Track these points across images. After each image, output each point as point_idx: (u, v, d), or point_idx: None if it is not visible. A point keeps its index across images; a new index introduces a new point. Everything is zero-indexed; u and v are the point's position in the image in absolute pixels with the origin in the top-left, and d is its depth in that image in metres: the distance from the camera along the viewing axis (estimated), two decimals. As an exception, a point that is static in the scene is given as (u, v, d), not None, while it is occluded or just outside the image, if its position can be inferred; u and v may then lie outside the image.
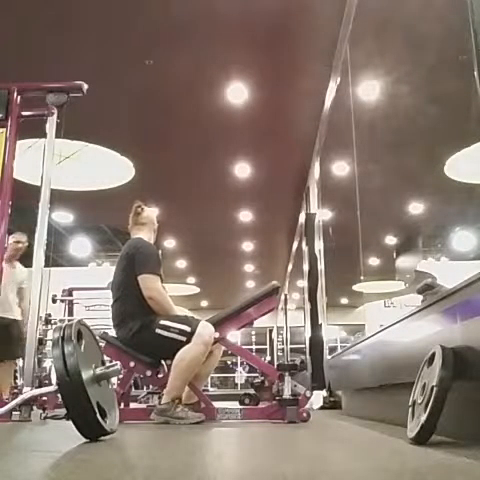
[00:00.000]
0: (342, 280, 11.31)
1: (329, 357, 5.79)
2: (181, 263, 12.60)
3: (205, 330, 2.92)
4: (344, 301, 16.05)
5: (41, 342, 5.51)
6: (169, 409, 2.78)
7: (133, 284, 3.03)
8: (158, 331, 2.92)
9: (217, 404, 3.25)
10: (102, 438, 1.74)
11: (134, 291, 3.03)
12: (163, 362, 3.15)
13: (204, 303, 16.47)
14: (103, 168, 7.52)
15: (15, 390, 4.90)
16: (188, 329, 2.89)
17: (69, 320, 4.84)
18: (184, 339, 2.88)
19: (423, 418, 1.56)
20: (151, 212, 3.38)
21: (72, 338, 1.75)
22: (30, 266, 2.73)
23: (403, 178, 7.31)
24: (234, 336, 7.33)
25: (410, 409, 1.78)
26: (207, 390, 16.01)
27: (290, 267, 11.80)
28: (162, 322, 2.94)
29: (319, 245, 6.79)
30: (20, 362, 6.06)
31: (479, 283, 1.61)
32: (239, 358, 16.32)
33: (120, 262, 3.18)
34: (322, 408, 5.50)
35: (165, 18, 4.53)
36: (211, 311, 4.15)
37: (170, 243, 10.94)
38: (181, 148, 6.79)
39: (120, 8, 4.44)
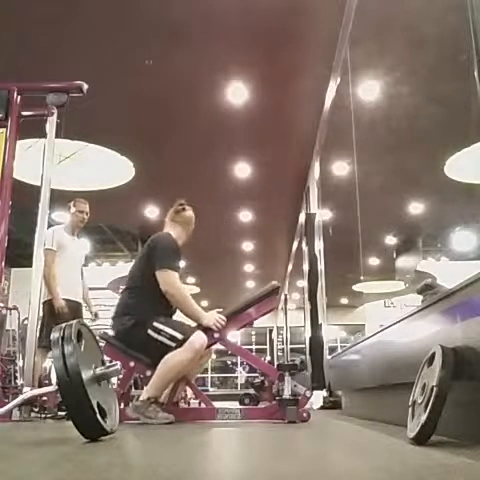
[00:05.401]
0: (342, 280, 11.31)
1: (329, 357, 5.79)
2: (181, 263, 12.60)
3: (198, 339, 2.89)
4: (344, 301, 16.05)
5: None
6: (142, 407, 2.80)
7: (146, 276, 3.05)
8: (149, 332, 2.92)
9: (217, 404, 3.25)
10: (102, 438, 1.74)
11: (144, 284, 3.05)
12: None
13: (204, 303, 16.46)
14: (103, 168, 7.52)
15: (15, 390, 4.87)
16: (179, 336, 2.87)
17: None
18: (173, 345, 2.86)
19: (423, 418, 1.56)
20: (191, 215, 3.36)
21: (72, 338, 1.75)
22: (28, 266, 2.73)
23: (403, 178, 7.31)
24: (234, 336, 7.34)
25: (410, 409, 1.78)
26: (207, 390, 16.02)
27: (290, 267, 11.80)
28: (155, 324, 2.93)
29: (319, 245, 6.79)
30: (20, 362, 6.07)
31: (479, 283, 1.61)
32: (239, 358, 16.31)
33: (141, 253, 3.22)
34: (322, 408, 5.50)
35: (165, 18, 4.53)
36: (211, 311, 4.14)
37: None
38: (181, 148, 6.79)
39: (120, 8, 4.44)
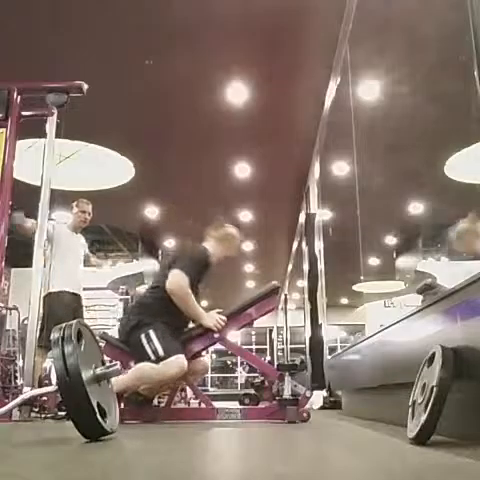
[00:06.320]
0: (342, 280, 11.31)
1: (329, 357, 5.79)
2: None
3: (174, 365, 2.84)
4: (344, 301, 16.04)
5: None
6: None
7: (162, 280, 3.09)
8: (142, 336, 2.93)
9: (217, 404, 3.25)
10: (102, 438, 1.74)
11: (160, 287, 3.08)
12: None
13: (204, 303, 16.40)
14: (103, 168, 7.51)
15: (15, 390, 4.85)
16: (161, 353, 2.86)
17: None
18: (153, 358, 2.86)
19: (423, 418, 1.56)
20: (229, 233, 3.42)
21: (72, 338, 1.75)
22: (26, 266, 2.73)
23: (403, 178, 7.31)
24: (234, 336, 7.34)
25: (410, 409, 1.78)
26: (207, 390, 16.02)
27: (290, 267, 11.80)
28: (150, 332, 2.93)
29: (319, 245, 6.78)
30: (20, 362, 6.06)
31: (479, 283, 1.61)
32: (239, 358, 16.31)
33: (171, 255, 3.35)
34: (322, 408, 5.50)
35: (165, 18, 4.53)
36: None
37: (170, 243, 10.94)
38: (181, 148, 6.79)
39: (120, 8, 4.44)
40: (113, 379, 2.76)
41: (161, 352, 2.86)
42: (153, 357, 2.85)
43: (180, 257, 3.19)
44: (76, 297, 4.28)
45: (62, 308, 4.01)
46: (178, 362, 2.85)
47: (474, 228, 3.22)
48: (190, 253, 3.23)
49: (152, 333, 2.92)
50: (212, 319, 3.06)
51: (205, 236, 3.39)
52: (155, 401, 3.63)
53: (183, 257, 3.18)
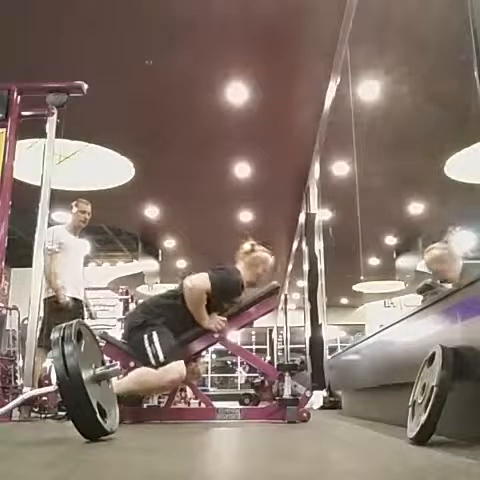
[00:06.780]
0: (342, 280, 11.30)
1: (329, 357, 5.79)
2: (181, 263, 12.60)
3: (173, 371, 2.82)
4: (344, 301, 16.04)
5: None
6: None
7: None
8: (144, 337, 2.92)
9: (217, 404, 3.26)
10: (102, 438, 1.74)
11: (179, 291, 3.06)
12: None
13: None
14: (103, 168, 7.51)
15: (15, 390, 4.85)
16: (161, 358, 2.84)
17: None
18: (153, 362, 2.84)
19: (423, 418, 1.56)
20: (257, 258, 3.28)
21: (72, 338, 1.75)
22: (27, 266, 2.73)
23: (403, 178, 7.31)
24: (234, 336, 7.34)
25: (410, 409, 1.78)
26: (207, 390, 16.02)
27: (290, 267, 11.80)
28: (154, 334, 2.92)
29: (319, 245, 6.79)
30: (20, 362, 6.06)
31: (479, 283, 1.61)
32: (239, 358, 16.31)
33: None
34: (322, 408, 5.50)
35: (165, 18, 4.53)
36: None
37: (170, 243, 10.93)
38: (181, 148, 6.79)
39: (120, 8, 4.44)
40: (114, 382, 2.79)
41: (162, 357, 2.84)
42: (153, 361, 2.83)
43: (218, 269, 3.11)
44: (77, 301, 4.28)
45: (62, 309, 4.01)
46: (178, 369, 2.84)
47: (448, 252, 3.10)
48: (227, 269, 3.15)
49: (155, 336, 2.90)
50: (213, 321, 3.06)
51: (237, 257, 3.29)
52: (155, 401, 3.63)
53: (220, 269, 3.11)
